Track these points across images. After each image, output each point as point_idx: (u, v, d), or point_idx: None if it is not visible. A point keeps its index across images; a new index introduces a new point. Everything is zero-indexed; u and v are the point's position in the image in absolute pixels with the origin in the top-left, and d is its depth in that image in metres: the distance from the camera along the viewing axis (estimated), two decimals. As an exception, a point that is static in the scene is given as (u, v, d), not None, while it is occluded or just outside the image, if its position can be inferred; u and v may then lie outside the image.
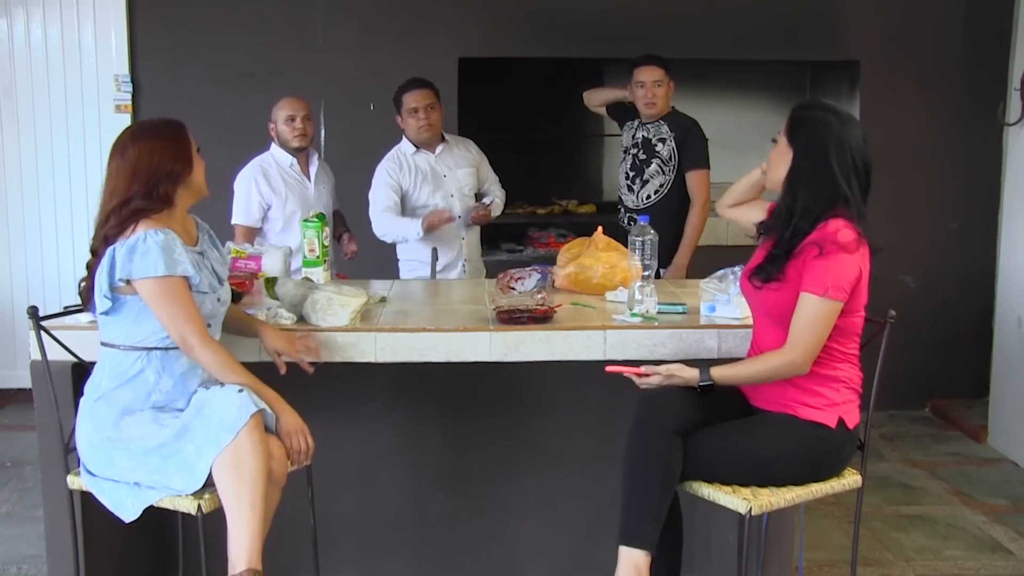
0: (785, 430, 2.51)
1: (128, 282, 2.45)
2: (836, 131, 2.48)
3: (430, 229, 4.03)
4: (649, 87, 4.21)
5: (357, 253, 4.30)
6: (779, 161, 2.56)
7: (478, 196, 4.37)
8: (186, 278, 2.48)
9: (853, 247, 2.42)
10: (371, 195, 4.16)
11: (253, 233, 4.08)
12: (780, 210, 2.55)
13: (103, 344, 2.57)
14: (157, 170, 2.49)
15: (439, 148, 4.26)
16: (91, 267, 2.52)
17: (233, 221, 4.10)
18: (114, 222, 2.48)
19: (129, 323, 2.51)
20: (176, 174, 2.52)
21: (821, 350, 2.47)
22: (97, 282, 2.48)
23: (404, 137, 4.26)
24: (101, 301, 2.49)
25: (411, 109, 4.15)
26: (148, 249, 2.43)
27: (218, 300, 2.61)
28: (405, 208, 4.18)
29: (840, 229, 2.43)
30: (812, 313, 2.42)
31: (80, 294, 2.58)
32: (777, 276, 2.50)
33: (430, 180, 4.18)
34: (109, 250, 2.46)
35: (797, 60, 5.59)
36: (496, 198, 4.35)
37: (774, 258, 2.52)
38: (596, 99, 4.64)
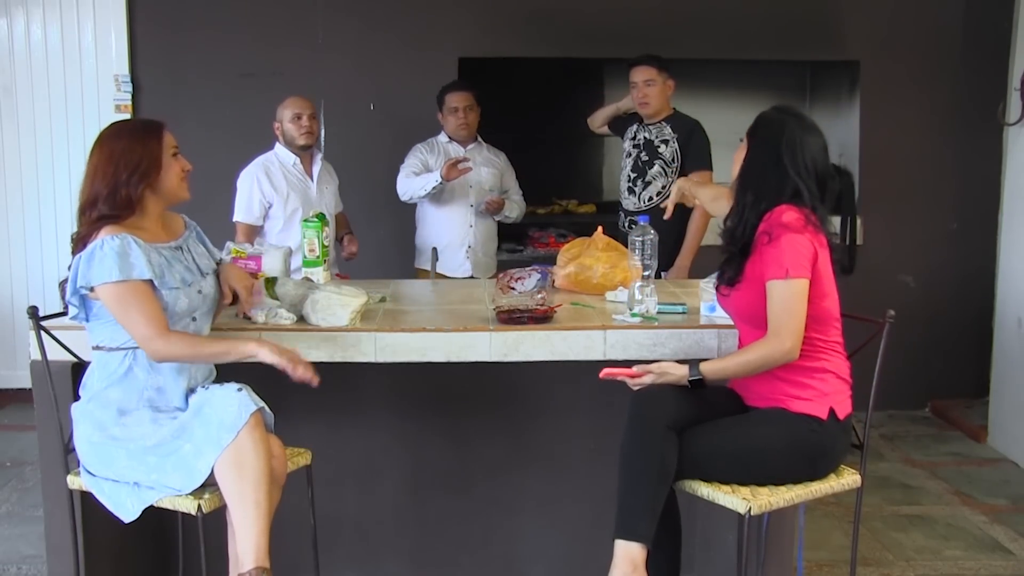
0: (777, 424, 2.51)
1: (92, 289, 2.46)
2: (791, 132, 2.53)
3: (448, 176, 4.27)
4: (640, 87, 4.25)
5: (356, 255, 4.33)
6: (739, 158, 2.64)
7: None
8: (145, 281, 2.46)
9: (799, 226, 2.45)
10: (401, 167, 4.50)
11: (254, 231, 4.09)
12: (733, 208, 2.61)
13: (93, 348, 2.58)
14: (118, 174, 2.49)
15: (471, 145, 4.59)
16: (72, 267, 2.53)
17: (234, 219, 4.12)
18: (83, 224, 2.50)
19: (111, 325, 2.51)
20: (137, 180, 2.50)
21: (803, 343, 2.48)
22: (68, 288, 2.50)
23: (443, 131, 4.59)
24: (70, 308, 2.52)
25: (452, 108, 4.49)
26: (104, 255, 2.43)
27: (199, 292, 2.61)
28: None
29: (784, 212, 2.48)
30: (783, 296, 2.44)
31: (62, 297, 2.58)
32: (738, 278, 2.54)
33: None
34: (75, 258, 2.47)
35: (797, 60, 5.59)
36: (515, 204, 4.64)
37: (730, 259, 2.57)
38: (598, 121, 4.70)
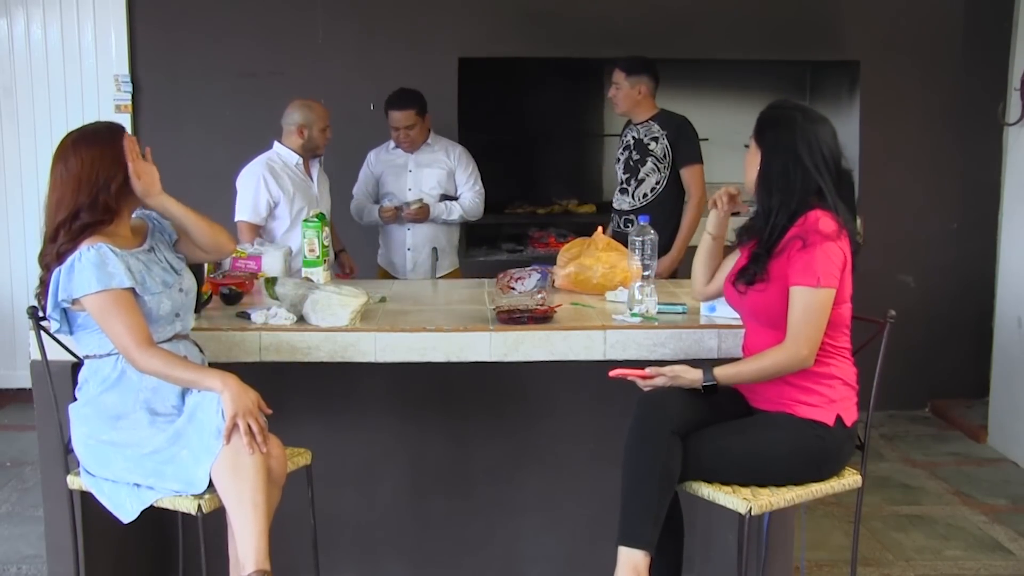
0: (784, 429, 2.51)
1: (76, 301, 2.47)
2: (801, 127, 2.52)
3: (384, 221, 4.55)
4: (611, 89, 4.36)
5: (356, 271, 4.44)
6: (751, 164, 2.61)
7: (449, 197, 4.61)
8: (126, 289, 2.45)
9: (835, 235, 2.46)
10: (355, 187, 4.70)
11: (256, 230, 4.08)
12: (758, 211, 2.59)
13: (84, 356, 2.58)
14: (98, 179, 2.48)
15: (417, 150, 4.62)
16: (44, 281, 2.52)
17: (237, 218, 4.08)
18: (64, 239, 2.47)
19: (97, 333, 2.51)
20: (119, 181, 2.50)
21: None
22: (48, 303, 2.50)
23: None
24: (51, 322, 2.53)
25: (393, 127, 4.51)
26: (83, 267, 2.43)
27: (180, 291, 2.61)
28: (378, 190, 4.68)
29: (820, 218, 2.47)
30: (808, 304, 2.43)
31: (40, 309, 2.57)
32: (761, 276, 2.52)
33: (396, 171, 4.59)
34: (55, 272, 2.46)
35: (797, 60, 5.59)
36: (459, 204, 4.59)
37: (756, 258, 2.55)
38: None
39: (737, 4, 5.21)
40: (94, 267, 2.43)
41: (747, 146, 2.64)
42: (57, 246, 2.48)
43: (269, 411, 2.46)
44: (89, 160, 2.49)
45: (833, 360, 2.53)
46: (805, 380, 2.51)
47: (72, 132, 2.59)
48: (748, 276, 2.55)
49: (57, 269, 2.46)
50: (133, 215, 2.67)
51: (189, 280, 2.68)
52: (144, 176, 2.55)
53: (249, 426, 2.38)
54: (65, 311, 2.51)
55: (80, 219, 2.47)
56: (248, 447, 2.37)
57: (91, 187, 2.48)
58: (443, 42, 5.11)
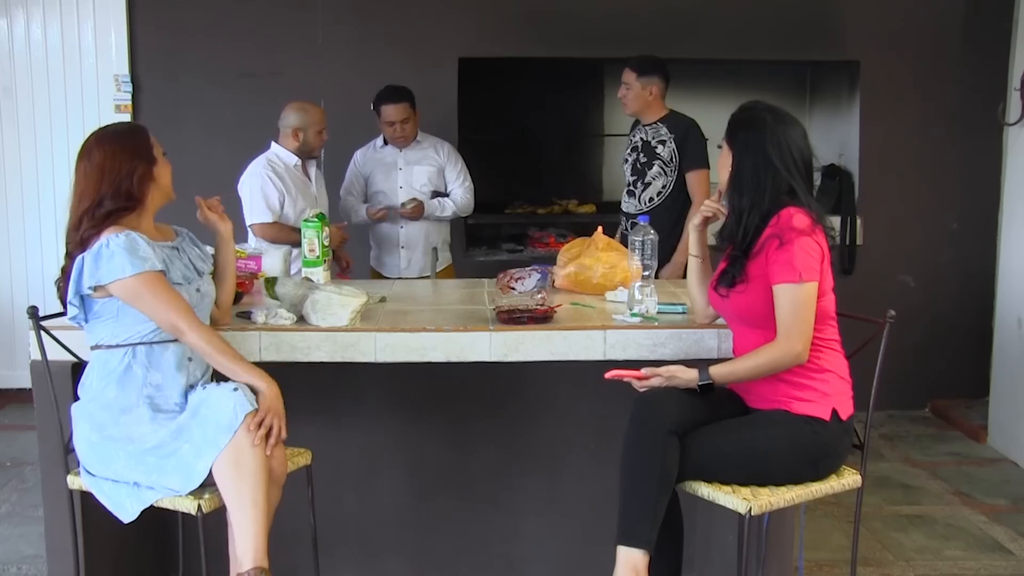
0: (780, 426, 2.51)
1: (100, 288, 2.49)
2: (771, 127, 2.54)
3: (373, 219, 4.54)
4: (621, 89, 4.32)
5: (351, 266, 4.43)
6: (724, 165, 2.63)
7: (439, 194, 4.62)
8: (158, 271, 2.50)
9: (809, 230, 2.47)
10: (343, 187, 4.68)
11: (275, 228, 4.04)
12: (730, 212, 2.60)
13: (92, 348, 2.59)
14: (121, 169, 2.54)
15: (407, 146, 4.60)
16: (66, 270, 2.55)
17: (253, 221, 4.05)
18: (88, 225, 2.51)
19: (111, 323, 2.53)
20: (140, 171, 2.56)
21: None
22: (69, 290, 2.52)
23: (382, 135, 4.63)
24: (70, 308, 2.54)
25: (387, 122, 4.48)
26: (112, 253, 2.46)
27: (197, 291, 2.64)
28: (366, 189, 4.65)
29: (794, 215, 2.49)
30: (794, 300, 2.44)
31: (59, 298, 2.60)
32: (741, 278, 2.53)
33: (386, 169, 4.57)
34: (78, 259, 2.49)
35: (797, 60, 5.60)
36: (451, 200, 4.60)
37: (733, 260, 2.57)
38: None
39: (737, 4, 5.22)
40: (126, 252, 2.46)
41: (720, 147, 2.66)
42: (80, 232, 2.52)
43: (286, 435, 2.49)
44: (111, 152, 2.55)
45: (823, 353, 2.54)
46: (799, 376, 2.51)
47: (94, 131, 2.65)
48: (728, 279, 2.57)
49: (81, 256, 2.48)
50: (169, 226, 2.74)
51: (208, 284, 2.72)
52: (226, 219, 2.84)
53: (271, 428, 2.43)
54: (83, 298, 2.52)
55: (103, 207, 2.52)
56: (260, 440, 2.41)
57: (114, 176, 2.53)
58: (443, 42, 5.11)
